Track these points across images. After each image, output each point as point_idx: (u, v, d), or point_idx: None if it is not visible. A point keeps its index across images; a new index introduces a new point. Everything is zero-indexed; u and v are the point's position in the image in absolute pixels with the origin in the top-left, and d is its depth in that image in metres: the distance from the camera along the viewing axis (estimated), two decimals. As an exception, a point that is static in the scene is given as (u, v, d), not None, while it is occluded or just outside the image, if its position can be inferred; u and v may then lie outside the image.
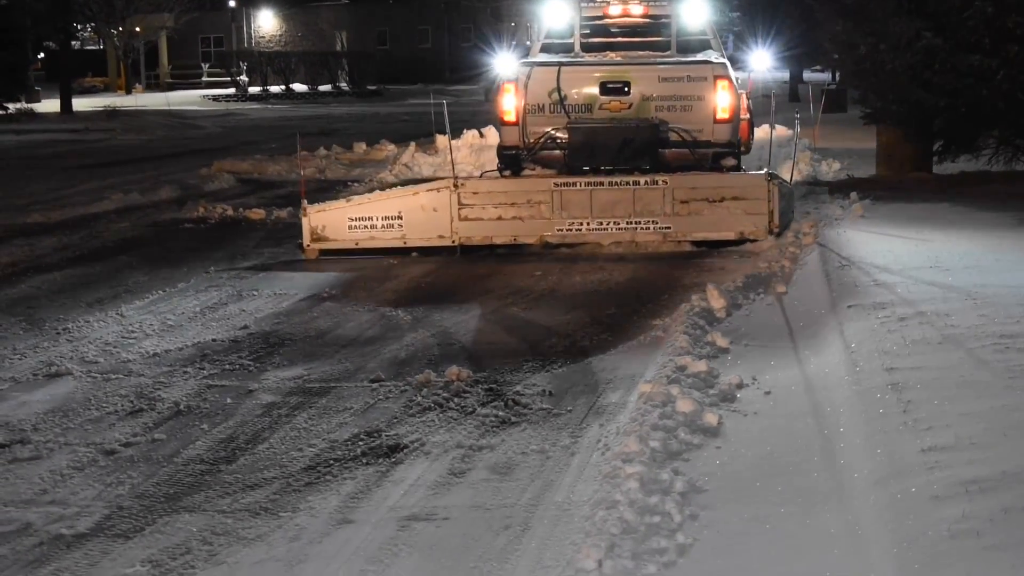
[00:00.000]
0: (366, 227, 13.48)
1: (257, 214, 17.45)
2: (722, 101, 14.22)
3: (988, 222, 14.10)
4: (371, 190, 17.97)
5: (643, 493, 6.17)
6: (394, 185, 19.67)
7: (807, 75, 27.60)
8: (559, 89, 14.48)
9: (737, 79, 15.75)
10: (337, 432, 7.69)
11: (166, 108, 51.63)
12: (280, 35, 77.81)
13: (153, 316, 10.95)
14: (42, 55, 64.13)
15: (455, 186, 13.42)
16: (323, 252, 13.41)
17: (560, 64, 15.00)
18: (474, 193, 13.51)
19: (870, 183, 17.25)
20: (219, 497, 6.58)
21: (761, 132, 19.13)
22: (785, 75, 28.00)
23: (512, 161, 14.85)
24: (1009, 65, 14.58)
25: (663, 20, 16.51)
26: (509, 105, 14.67)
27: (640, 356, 9.16)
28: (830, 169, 19.09)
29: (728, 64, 15.08)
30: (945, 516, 5.37)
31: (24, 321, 11.11)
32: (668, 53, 15.78)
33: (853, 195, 15.19)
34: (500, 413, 8.22)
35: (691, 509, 5.99)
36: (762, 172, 13.59)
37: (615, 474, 6.49)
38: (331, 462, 7.13)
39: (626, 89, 14.49)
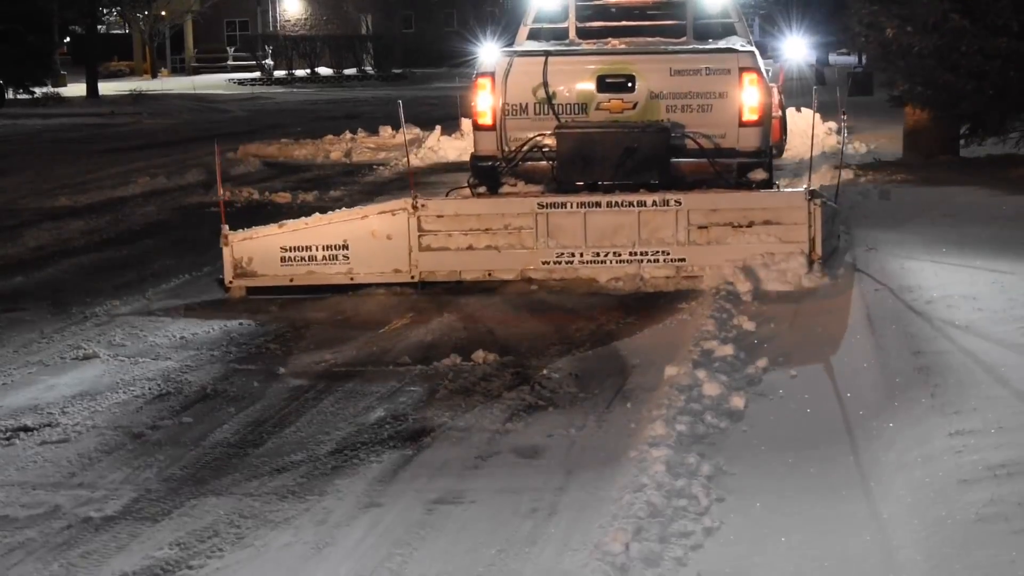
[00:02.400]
0: (303, 259, 10.93)
1: (283, 197, 17.57)
2: (749, 99, 11.44)
3: (995, 188, 14.40)
4: (396, 174, 17.82)
5: (670, 476, 6.23)
6: (420, 170, 19.19)
7: (833, 58, 27.24)
8: (546, 85, 11.75)
9: (767, 71, 13.19)
10: (363, 416, 7.69)
11: (192, 92, 53.04)
12: (305, 19, 78.70)
13: (179, 299, 11.07)
14: (68, 39, 65.34)
15: (414, 208, 10.83)
16: (251, 290, 10.94)
17: (547, 53, 12.18)
18: (438, 217, 10.95)
19: (896, 165, 17.10)
20: (246, 480, 6.59)
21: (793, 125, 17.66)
22: (812, 60, 27.80)
23: (488, 175, 12.00)
24: None
25: (675, 0, 14.07)
26: (484, 105, 11.93)
27: (666, 340, 9.12)
28: (856, 152, 18.78)
29: (756, 53, 12.17)
30: (972, 500, 5.42)
31: (52, 304, 11.19)
32: (683, 40, 13.09)
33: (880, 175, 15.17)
34: (527, 397, 8.22)
35: (718, 492, 6.03)
36: (801, 189, 11.15)
37: (642, 458, 6.48)
38: (358, 445, 7.22)
39: (630, 85, 11.67)
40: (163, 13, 70.65)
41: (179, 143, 29.48)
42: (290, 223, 11.21)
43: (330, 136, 24.76)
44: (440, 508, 6.18)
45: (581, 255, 10.65)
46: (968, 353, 7.62)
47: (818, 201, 10.42)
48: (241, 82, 65.02)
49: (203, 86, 62.03)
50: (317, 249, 10.82)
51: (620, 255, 10.57)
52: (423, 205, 10.86)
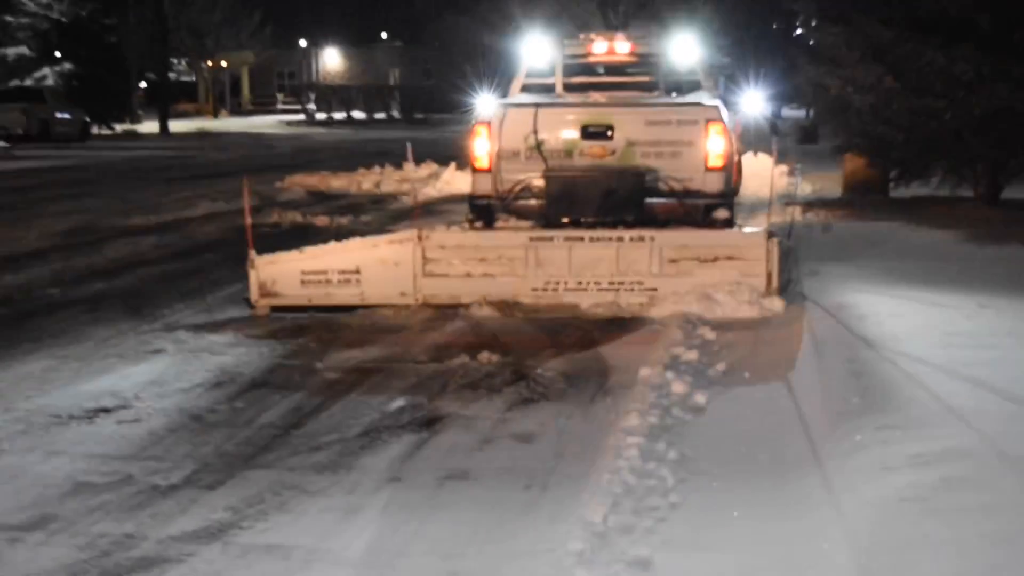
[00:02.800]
0: (321, 282, 10.66)
1: (322, 221, 17.61)
2: (715, 147, 11.24)
3: (921, 224, 14.46)
4: (417, 202, 17.73)
5: (642, 460, 6.28)
6: (436, 200, 19.05)
7: (785, 111, 27.19)
8: (536, 133, 11.46)
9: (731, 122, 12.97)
10: (386, 404, 7.78)
11: (247, 131, 53.47)
12: (343, 71, 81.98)
13: (233, 305, 11.13)
14: (144, 84, 66.08)
15: (419, 238, 10.48)
16: (274, 308, 10.58)
17: (537, 105, 11.88)
18: (440, 247, 10.58)
19: (837, 204, 17.30)
20: (288, 457, 6.70)
21: (756, 171, 17.32)
22: (768, 112, 28.02)
23: (484, 212, 11.83)
24: (956, 107, 14.27)
25: (651, 59, 13.85)
26: (482, 150, 11.66)
27: (641, 348, 9.24)
28: (803, 192, 18.61)
29: (721, 106, 11.91)
30: (895, 483, 5.51)
31: (127, 307, 11.29)
32: (656, 94, 13.23)
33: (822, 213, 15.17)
34: (524, 392, 8.23)
35: (682, 475, 6.06)
36: (760, 230, 10.73)
37: (619, 444, 6.56)
38: (382, 428, 7.29)
39: (609, 133, 11.43)
40: (224, 64, 72.69)
41: (235, 174, 29.34)
42: (309, 249, 10.82)
43: (362, 169, 24.81)
44: (449, 483, 6.26)
45: (566, 283, 10.28)
46: (893, 363, 7.71)
47: (775, 240, 10.17)
48: (288, 123, 65.49)
49: (257, 126, 62.79)
50: (333, 273, 10.54)
51: (600, 284, 10.24)
52: (427, 236, 10.55)
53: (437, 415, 7.65)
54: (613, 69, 14.13)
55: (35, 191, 24.88)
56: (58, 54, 47.71)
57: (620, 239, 10.26)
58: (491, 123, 11.45)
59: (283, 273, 10.52)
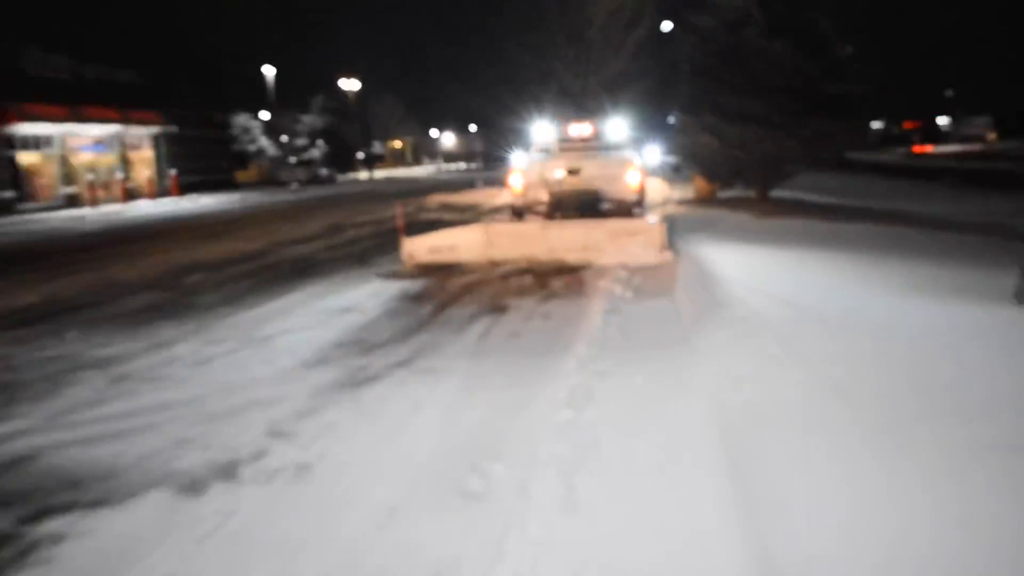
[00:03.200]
0: (438, 251, 13.82)
1: (447, 216, 22.23)
2: (632, 179, 16.01)
3: (737, 211, 18.12)
4: (492, 208, 23.29)
5: (603, 325, 8.62)
6: (497, 207, 24.04)
7: (667, 159, 34.06)
8: (543, 173, 16.14)
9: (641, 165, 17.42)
10: (479, 302, 10.12)
11: (410, 176, 71.18)
12: (454, 143, 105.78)
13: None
14: (360, 154, 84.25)
15: (485, 228, 14.13)
16: (415, 266, 13.71)
17: (544, 159, 16.77)
18: (497, 232, 13.99)
19: (690, 203, 23.63)
20: (436, 328, 9.02)
21: (656, 189, 23.49)
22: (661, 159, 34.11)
23: (518, 213, 16.42)
24: (746, 153, 21.80)
25: (602, 132, 18.54)
26: (517, 182, 16.41)
27: (600, 275, 11.99)
28: (674, 197, 25.29)
29: (636, 157, 17.07)
30: (734, 352, 7.65)
31: (356, 261, 13.94)
32: (605, 151, 17.64)
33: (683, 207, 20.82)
34: (545, 293, 11.04)
35: (623, 331, 8.36)
36: (656, 219, 13.90)
37: (592, 318, 9.09)
38: (478, 314, 9.66)
39: (580, 172, 16.07)
40: (397, 143, 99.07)
41: (405, 195, 34.50)
42: (432, 235, 14.21)
43: (464, 191, 29.65)
44: (511, 338, 8.53)
45: (560, 249, 13.53)
46: (725, 285, 9.94)
47: (663, 223, 13.32)
48: (428, 172, 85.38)
49: (414, 173, 79.02)
50: (444, 247, 13.87)
51: (576, 248, 13.45)
52: (490, 227, 14.25)
53: (504, 305, 10.42)
54: (583, 138, 18.40)
55: (310, 209, 30.76)
56: (319, 141, 70.32)
57: (586, 225, 13.84)
58: (520, 168, 16.53)
59: (418, 247, 13.88)
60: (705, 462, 5.19)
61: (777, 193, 23.97)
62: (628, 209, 15.75)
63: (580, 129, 18.74)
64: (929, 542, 3.97)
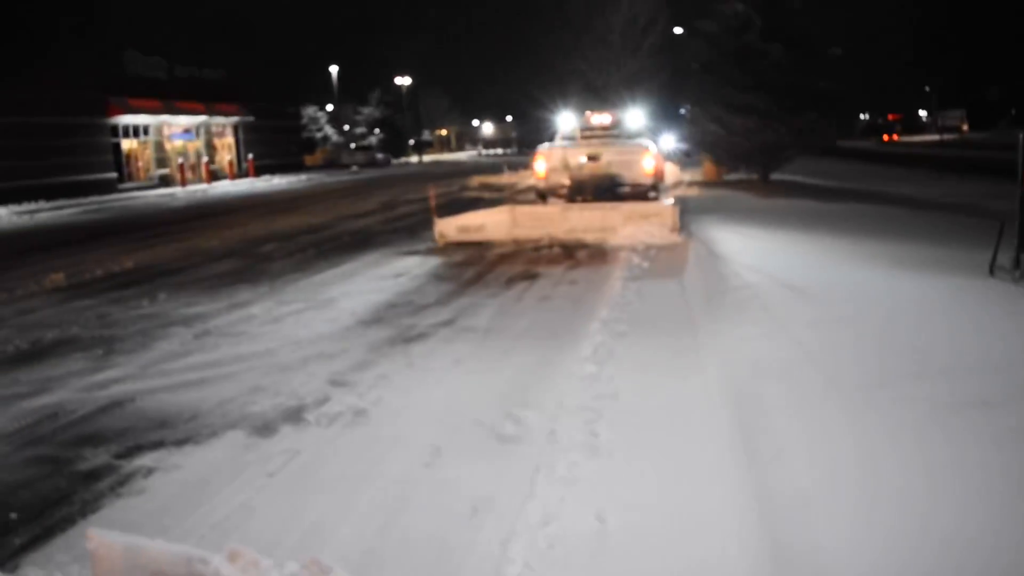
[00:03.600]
0: (467, 230, 13.17)
1: (487, 195, 22.15)
2: (648, 164, 14.88)
3: (737, 190, 17.42)
4: (526, 187, 22.33)
5: (622, 290, 8.60)
6: (526, 187, 23.24)
7: (681, 146, 33.38)
8: (566, 157, 15.11)
9: (658, 151, 16.48)
10: (514, 269, 10.12)
11: (455, 159, 70.05)
12: (493, 131, 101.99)
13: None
14: (412, 141, 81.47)
15: (511, 209, 13.45)
16: (446, 244, 13.01)
17: (566, 146, 15.73)
18: (522, 213, 13.42)
19: (700, 184, 23.20)
20: (481, 288, 9.02)
21: (669, 172, 21.61)
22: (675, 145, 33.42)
23: (542, 196, 15.52)
24: (749, 141, 21.91)
25: (620, 122, 17.49)
26: (540, 166, 15.35)
27: (621, 249, 11.90)
28: (685, 179, 24.55)
29: (652, 144, 15.88)
30: (736, 309, 7.72)
31: (407, 234, 13.87)
32: (623, 139, 16.56)
33: (694, 188, 20.35)
34: (571, 262, 10.98)
35: (640, 294, 8.34)
36: (671, 202, 13.62)
37: (613, 283, 9.14)
38: (515, 278, 9.65)
39: (599, 158, 15.02)
40: (443, 131, 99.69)
41: (449, 176, 34.58)
42: (462, 216, 13.45)
43: (503, 173, 28.32)
44: (542, 301, 8.58)
45: (580, 230, 12.87)
46: (731, 263, 9.60)
47: (676, 206, 12.81)
48: (471, 156, 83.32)
49: (459, 158, 76.39)
50: (472, 226, 13.20)
51: (596, 230, 12.78)
52: (515, 208, 13.58)
53: (536, 272, 10.37)
54: (604, 129, 17.25)
55: (367, 188, 30.61)
56: (376, 130, 71.68)
57: (604, 208, 13.13)
58: (544, 153, 15.43)
59: (449, 226, 13.24)
60: (712, 408, 5.09)
61: (776, 176, 23.92)
62: (644, 192, 14.90)
63: (600, 119, 17.77)
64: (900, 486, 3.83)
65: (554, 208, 13.68)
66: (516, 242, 12.91)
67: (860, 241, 11.11)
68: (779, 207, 16.18)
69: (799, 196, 18.48)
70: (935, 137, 59.47)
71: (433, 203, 14.15)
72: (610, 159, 15.02)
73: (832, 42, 22.49)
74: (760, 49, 21.49)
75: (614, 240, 12.48)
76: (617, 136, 16.99)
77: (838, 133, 24.99)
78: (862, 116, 79.07)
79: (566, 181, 15.10)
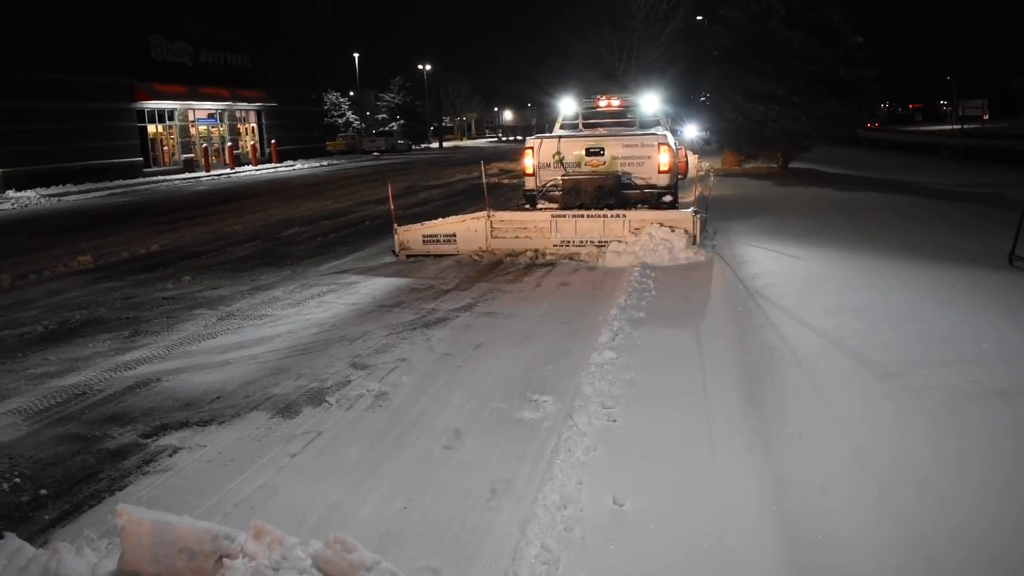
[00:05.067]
0: (434, 242, 10.99)
1: (507, 181, 21.98)
2: (663, 159, 11.81)
3: (755, 177, 17.09)
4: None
5: (638, 285, 8.45)
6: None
7: (700, 134, 32.95)
8: (559, 152, 12.11)
9: (676, 144, 13.32)
10: (518, 263, 10.02)
11: (473, 145, 70.55)
12: (511, 118, 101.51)
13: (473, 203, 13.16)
14: (432, 127, 79.92)
15: (488, 217, 10.98)
16: (408, 256, 10.93)
17: (560, 137, 12.53)
18: (501, 220, 11.03)
19: (719, 171, 22.46)
20: (494, 278, 8.94)
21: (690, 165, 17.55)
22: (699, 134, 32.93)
23: (530, 199, 12.37)
24: (769, 129, 22.00)
25: (631, 108, 14.84)
26: (528, 163, 12.28)
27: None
28: (704, 165, 22.80)
29: (668, 135, 12.59)
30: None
31: (429, 216, 12.99)
32: (634, 128, 13.99)
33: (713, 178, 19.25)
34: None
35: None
36: (689, 210, 10.98)
37: (635, 271, 8.92)
38: (528, 267, 9.57)
39: (602, 152, 12.00)
40: (465, 117, 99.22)
41: (469, 163, 34.06)
42: (427, 223, 11.16)
43: (507, 162, 29.16)
44: (561, 288, 8.54)
45: (574, 242, 10.78)
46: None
47: (698, 215, 10.51)
48: (490, 142, 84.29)
49: (478, 144, 76.01)
50: (440, 237, 11.00)
51: (593, 242, 10.72)
52: (493, 215, 11.03)
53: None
54: (611, 115, 14.73)
55: (388, 173, 30.41)
56: (398, 116, 72.74)
57: (605, 216, 10.77)
58: (534, 147, 12.22)
59: (412, 236, 11.06)
60: (727, 396, 5.05)
61: (795, 164, 23.85)
62: (657, 196, 12.06)
63: (608, 103, 15.12)
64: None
65: (542, 215, 11.17)
66: (493, 256, 10.88)
67: (880, 229, 11.07)
68: (799, 196, 16.04)
69: (818, 184, 18.35)
70: (955, 126, 58.89)
71: (392, 205, 11.82)
72: (616, 153, 12.14)
73: (854, 30, 22.19)
74: (782, 36, 21.32)
75: (616, 259, 10.23)
76: (628, 124, 14.57)
77: (859, 122, 24.66)
78: (883, 105, 78.42)
79: (558, 181, 12.32)
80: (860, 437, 4.22)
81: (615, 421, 4.80)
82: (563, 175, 12.04)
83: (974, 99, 25.22)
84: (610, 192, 11.72)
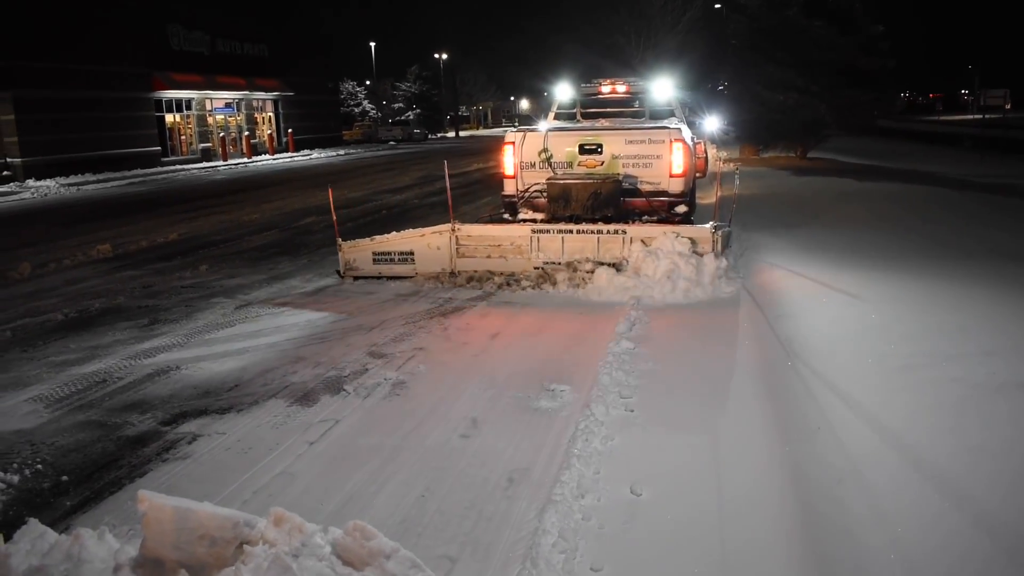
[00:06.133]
0: (387, 261, 9.03)
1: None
2: (676, 159, 9.48)
3: (774, 167, 16.82)
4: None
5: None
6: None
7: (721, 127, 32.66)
8: (546, 150, 9.92)
9: (693, 137, 11.14)
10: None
11: (488, 134, 69.43)
12: (528, 107, 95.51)
13: (490, 194, 12.64)
14: (449, 116, 79.71)
15: (453, 231, 8.91)
16: (355, 278, 9.05)
17: (548, 130, 10.19)
18: (468, 236, 8.95)
19: (737, 159, 22.53)
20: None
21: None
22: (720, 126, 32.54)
23: (511, 207, 10.08)
24: (788, 119, 22.10)
25: (639, 95, 12.62)
26: (509, 162, 10.05)
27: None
28: (723, 156, 23.43)
29: (683, 129, 10.15)
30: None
31: (445, 210, 13.77)
32: (643, 119, 11.79)
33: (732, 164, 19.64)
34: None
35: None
36: (709, 225, 8.43)
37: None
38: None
39: (599, 149, 9.73)
40: (481, 107, 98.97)
41: (489, 151, 33.50)
42: (378, 238, 9.11)
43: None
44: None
45: (559, 263, 8.75)
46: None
47: (720, 232, 8.31)
48: (506, 130, 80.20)
49: (495, 133, 72.40)
50: (395, 255, 9.07)
51: (580, 270, 8.62)
52: (459, 229, 8.96)
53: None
54: (614, 102, 12.63)
55: (405, 163, 30.54)
56: (414, 106, 72.25)
57: (600, 232, 8.68)
58: (515, 142, 10.06)
59: (361, 254, 9.15)
60: (746, 385, 5.03)
61: (814, 154, 23.75)
62: (668, 207, 9.66)
63: (612, 89, 12.65)
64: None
65: (520, 230, 8.96)
66: (454, 280, 8.85)
67: (900, 221, 10.99)
68: (817, 187, 15.91)
69: (837, 174, 18.24)
70: (977, 116, 58.39)
71: (335, 217, 9.72)
72: (617, 151, 9.74)
73: (874, 19, 22.03)
74: (801, 25, 21.21)
75: (605, 291, 8.02)
76: (636, 115, 12.43)
77: (878, 112, 24.44)
78: (903, 95, 77.92)
79: (544, 186, 9.82)
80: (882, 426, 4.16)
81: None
82: (549, 178, 9.69)
83: (996, 88, 24.84)
84: (608, 200, 9.28)
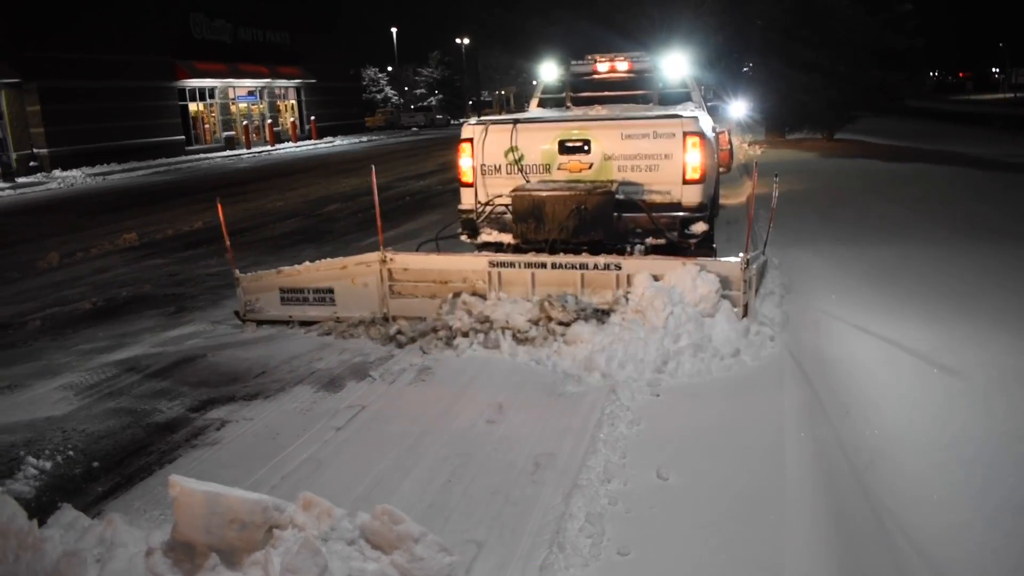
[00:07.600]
0: (299, 301, 6.77)
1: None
2: (692, 160, 6.86)
3: (801, 150, 16.72)
4: None
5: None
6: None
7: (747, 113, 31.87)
8: (515, 149, 7.29)
9: (715, 127, 8.95)
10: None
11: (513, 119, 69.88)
12: (509, 91, 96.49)
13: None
14: (471, 102, 77.43)
15: (382, 261, 6.53)
16: (259, 323, 6.76)
17: (515, 121, 7.40)
18: (404, 270, 6.55)
19: (763, 142, 22.52)
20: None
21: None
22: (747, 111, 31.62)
23: (469, 225, 7.42)
24: (812, 101, 21.83)
25: (647, 75, 9.94)
26: (466, 166, 7.43)
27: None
28: (748, 138, 23.51)
29: (701, 117, 7.35)
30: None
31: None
32: (651, 106, 9.21)
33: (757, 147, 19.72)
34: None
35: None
36: (738, 260, 5.84)
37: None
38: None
39: (586, 148, 7.08)
40: (503, 91, 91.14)
41: None
42: (286, 270, 6.82)
43: None
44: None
45: (516, 311, 6.16)
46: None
47: (752, 268, 5.88)
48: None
49: (518, 118, 71.61)
50: (309, 293, 6.79)
51: (548, 322, 6.04)
52: (391, 259, 6.57)
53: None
54: (614, 83, 10.11)
55: (427, 149, 30.74)
56: (436, 91, 72.75)
57: (584, 266, 6.19)
58: (473, 139, 7.41)
59: (265, 291, 6.87)
60: (771, 379, 5.03)
61: (841, 135, 23.44)
62: (680, 225, 6.96)
63: (611, 68, 10.15)
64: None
65: (475, 262, 6.53)
66: (382, 332, 6.44)
67: (924, 201, 10.84)
68: (845, 168, 15.73)
69: (865, 155, 18.03)
70: (1008, 95, 57.56)
71: (228, 242, 6.99)
72: (610, 149, 7.13)
73: None
74: (828, 3, 20.90)
75: (580, 348, 5.64)
76: (643, 100, 9.76)
77: (907, 91, 24.17)
78: (931, 74, 76.92)
79: (507, 200, 7.02)
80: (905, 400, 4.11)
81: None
82: (513, 189, 6.97)
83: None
84: (596, 219, 6.64)
